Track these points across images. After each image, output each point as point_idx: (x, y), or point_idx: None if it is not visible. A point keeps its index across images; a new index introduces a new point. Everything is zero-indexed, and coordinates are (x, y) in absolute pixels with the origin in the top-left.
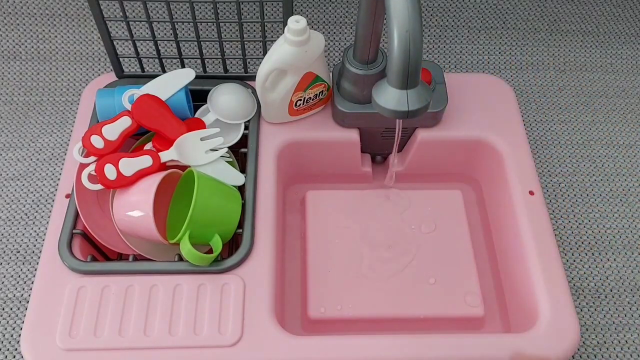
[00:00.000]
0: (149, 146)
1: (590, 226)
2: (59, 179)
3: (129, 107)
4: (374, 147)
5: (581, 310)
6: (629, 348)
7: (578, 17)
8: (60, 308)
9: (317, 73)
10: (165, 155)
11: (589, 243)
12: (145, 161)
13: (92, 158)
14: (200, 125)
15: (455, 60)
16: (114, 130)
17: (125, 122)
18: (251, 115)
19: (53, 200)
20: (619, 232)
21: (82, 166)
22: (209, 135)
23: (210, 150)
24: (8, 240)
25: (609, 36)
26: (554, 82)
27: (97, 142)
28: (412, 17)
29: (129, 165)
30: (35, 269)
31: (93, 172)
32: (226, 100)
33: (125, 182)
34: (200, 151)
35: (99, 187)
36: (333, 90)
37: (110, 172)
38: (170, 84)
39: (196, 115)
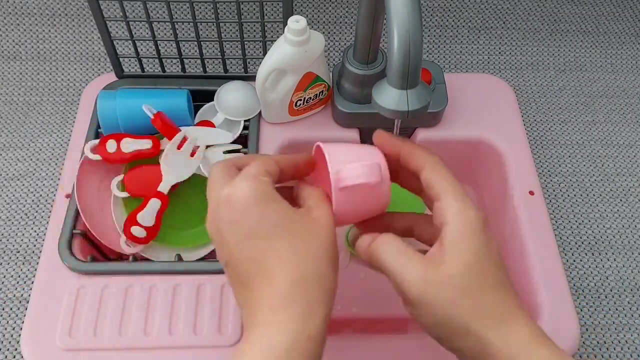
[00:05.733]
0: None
1: (590, 226)
2: (59, 179)
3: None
4: None
5: (581, 310)
6: (629, 348)
7: (578, 17)
8: (60, 308)
9: (317, 73)
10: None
11: (589, 243)
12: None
13: (97, 156)
14: (210, 127)
15: (455, 60)
16: (132, 146)
17: (146, 144)
18: (257, 111)
19: (53, 200)
20: (619, 232)
21: (84, 164)
22: (231, 149)
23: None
24: (8, 240)
25: (609, 36)
26: (554, 82)
27: (111, 146)
28: (412, 17)
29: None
30: (35, 269)
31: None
32: (234, 98)
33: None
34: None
35: (125, 194)
36: (333, 90)
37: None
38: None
39: (197, 115)
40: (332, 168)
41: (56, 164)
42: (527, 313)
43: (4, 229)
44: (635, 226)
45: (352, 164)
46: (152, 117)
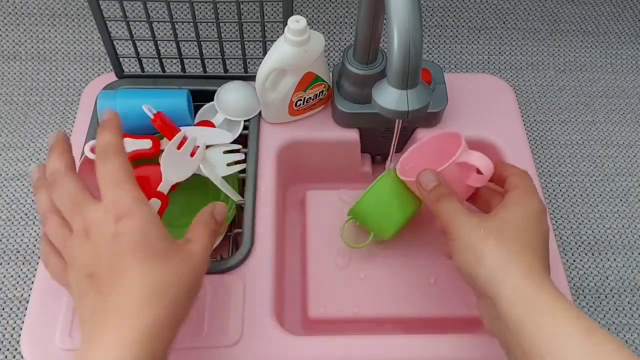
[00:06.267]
0: None
1: (590, 226)
2: None
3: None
4: (374, 147)
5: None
6: (629, 348)
7: (578, 17)
8: (60, 308)
9: (317, 73)
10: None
11: (589, 243)
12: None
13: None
14: (210, 127)
15: (455, 60)
16: (132, 146)
17: (146, 144)
18: (257, 111)
19: None
20: (619, 232)
21: (84, 164)
22: (231, 149)
23: (234, 163)
24: (8, 240)
25: (609, 36)
26: (554, 82)
27: None
28: (412, 17)
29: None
30: (35, 269)
31: None
32: (234, 98)
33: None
34: (222, 164)
35: None
36: (333, 90)
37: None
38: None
39: (197, 115)
40: (464, 145)
41: None
42: (553, 284)
43: (4, 229)
44: (635, 226)
45: (480, 154)
46: (152, 117)
